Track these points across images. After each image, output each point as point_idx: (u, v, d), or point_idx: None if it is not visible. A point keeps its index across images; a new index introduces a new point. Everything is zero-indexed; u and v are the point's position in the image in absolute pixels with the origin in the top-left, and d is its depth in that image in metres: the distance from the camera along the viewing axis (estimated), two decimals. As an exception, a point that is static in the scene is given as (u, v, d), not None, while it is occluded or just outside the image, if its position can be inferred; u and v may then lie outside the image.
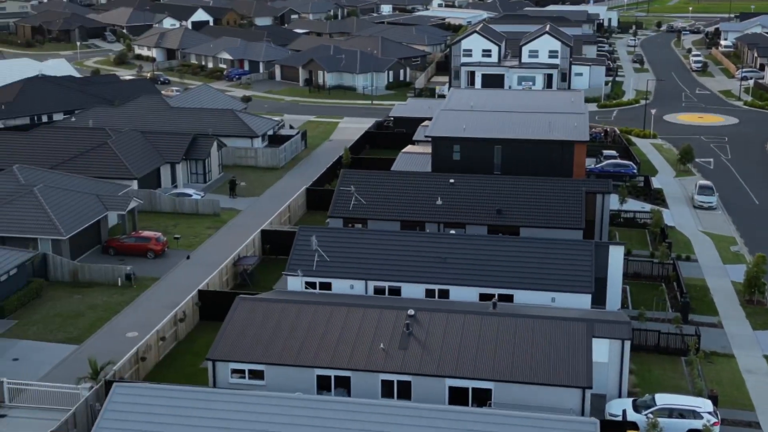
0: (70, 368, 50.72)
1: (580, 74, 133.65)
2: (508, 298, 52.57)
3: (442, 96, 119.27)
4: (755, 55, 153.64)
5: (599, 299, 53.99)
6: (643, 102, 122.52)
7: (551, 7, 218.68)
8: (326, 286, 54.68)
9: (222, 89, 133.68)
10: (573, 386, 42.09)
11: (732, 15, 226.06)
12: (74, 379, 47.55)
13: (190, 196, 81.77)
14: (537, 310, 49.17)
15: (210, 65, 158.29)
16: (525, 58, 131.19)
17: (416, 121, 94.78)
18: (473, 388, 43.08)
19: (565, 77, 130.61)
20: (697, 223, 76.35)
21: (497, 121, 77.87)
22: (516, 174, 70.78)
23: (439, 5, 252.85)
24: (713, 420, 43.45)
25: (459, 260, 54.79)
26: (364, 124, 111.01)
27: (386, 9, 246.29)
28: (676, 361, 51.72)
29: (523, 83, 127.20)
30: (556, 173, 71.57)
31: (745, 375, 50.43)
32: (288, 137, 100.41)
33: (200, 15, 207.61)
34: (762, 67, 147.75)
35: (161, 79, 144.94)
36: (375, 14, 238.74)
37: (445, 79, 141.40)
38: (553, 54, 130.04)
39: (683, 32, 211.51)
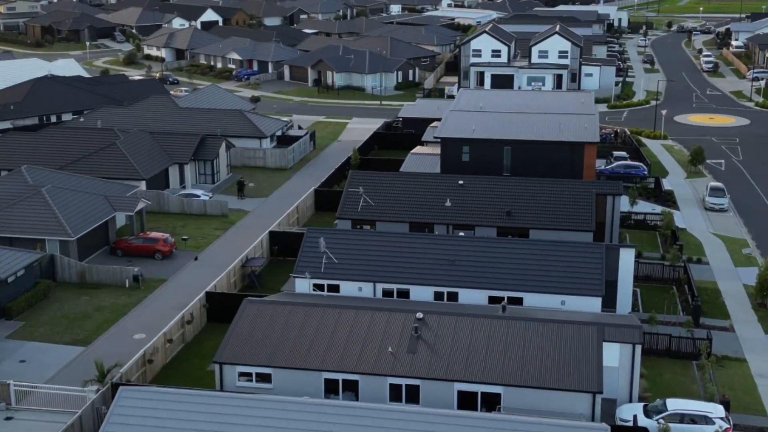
0: (77, 370, 50.51)
1: (590, 75, 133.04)
2: (518, 301, 52.14)
3: (452, 96, 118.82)
4: (766, 55, 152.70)
5: (610, 302, 53.54)
6: (653, 103, 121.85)
7: (561, 7, 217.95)
8: (334, 288, 54.35)
9: (231, 89, 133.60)
10: (583, 391, 41.66)
11: (743, 15, 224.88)
12: (81, 381, 47.32)
13: (199, 197, 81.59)
14: (547, 314, 48.70)
15: (219, 65, 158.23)
16: (535, 59, 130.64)
17: (425, 122, 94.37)
18: (482, 393, 42.67)
19: (575, 78, 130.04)
20: (708, 226, 75.76)
21: (507, 122, 77.43)
22: (525, 175, 70.27)
23: (449, 5, 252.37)
24: (725, 426, 42.95)
25: (468, 263, 54.38)
26: (373, 124, 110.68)
27: (395, 9, 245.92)
28: (687, 365, 51.20)
29: (532, 84, 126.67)
30: (566, 175, 71.07)
31: (757, 380, 49.89)
32: (297, 138, 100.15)
33: (209, 15, 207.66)
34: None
35: (170, 80, 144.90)
36: (384, 14, 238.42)
37: (455, 79, 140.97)
38: (563, 54, 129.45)
39: (694, 32, 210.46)
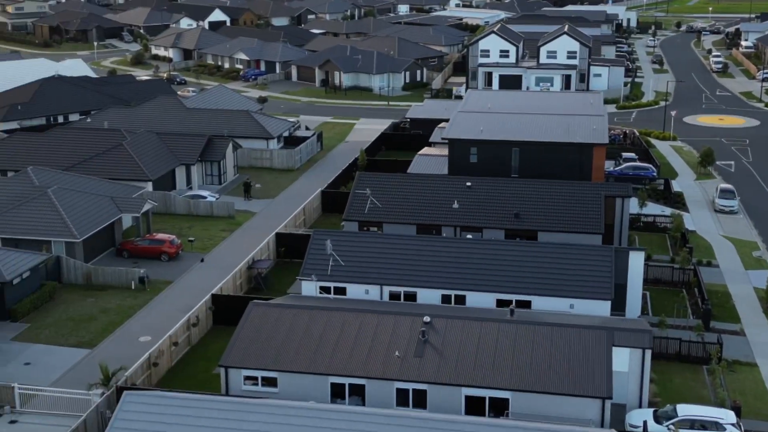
0: (82, 373, 50.23)
1: (599, 75, 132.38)
2: (526, 305, 51.68)
3: (459, 97, 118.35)
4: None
5: (619, 306, 53.02)
6: (662, 103, 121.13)
7: (569, 8, 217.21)
8: (341, 291, 53.96)
9: (238, 90, 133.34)
10: (592, 396, 41.18)
11: (753, 15, 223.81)
12: (86, 384, 46.99)
13: (205, 198, 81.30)
14: (555, 317, 48.25)
15: (226, 65, 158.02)
16: (543, 59, 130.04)
17: (433, 123, 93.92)
18: (490, 398, 42.23)
19: (583, 78, 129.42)
20: (718, 228, 75.12)
21: (515, 123, 76.94)
22: (534, 177, 69.79)
23: (457, 5, 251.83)
24: (736, 432, 42.47)
25: (476, 265, 53.92)
26: (381, 125, 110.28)
27: (403, 9, 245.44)
28: (697, 369, 50.66)
29: (541, 84, 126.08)
30: (575, 176, 70.59)
31: (768, 385, 49.38)
32: (304, 138, 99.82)
33: (217, 15, 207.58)
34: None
35: (177, 80, 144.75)
36: (392, 14, 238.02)
37: (462, 79, 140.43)
38: (571, 55, 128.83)
39: (703, 33, 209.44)
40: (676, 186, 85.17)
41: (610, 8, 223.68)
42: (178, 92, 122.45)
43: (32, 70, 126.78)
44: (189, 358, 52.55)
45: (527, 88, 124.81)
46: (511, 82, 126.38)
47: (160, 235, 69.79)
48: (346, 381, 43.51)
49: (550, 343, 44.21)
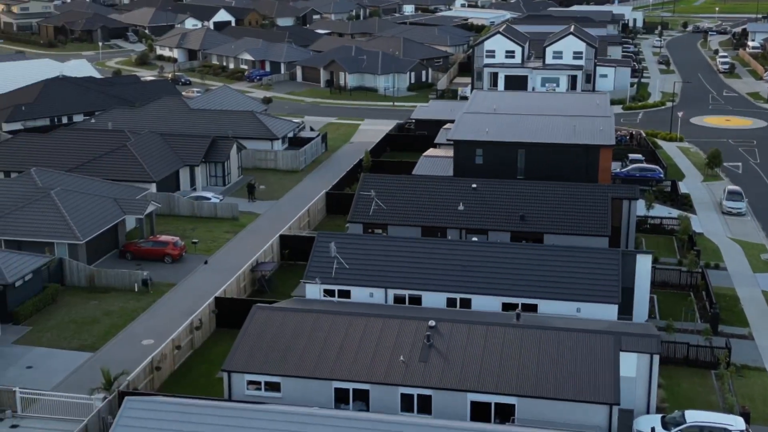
0: (85, 376, 49.86)
1: (605, 76, 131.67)
2: (532, 308, 51.15)
3: (465, 98, 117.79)
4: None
5: (626, 309, 52.44)
6: (669, 104, 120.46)
7: (575, 8, 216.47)
8: (345, 294, 53.48)
9: (243, 90, 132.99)
10: (600, 403, 40.65)
11: (759, 15, 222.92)
12: (87, 389, 46.56)
13: (209, 199, 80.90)
14: (562, 322, 47.71)
15: (231, 66, 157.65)
16: (549, 60, 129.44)
17: (438, 124, 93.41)
18: (496, 404, 41.71)
19: (589, 79, 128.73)
20: (725, 230, 74.50)
21: (521, 124, 76.44)
22: (540, 179, 69.33)
23: (462, 5, 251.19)
24: (745, 438, 41.88)
25: (481, 268, 53.41)
26: (386, 126, 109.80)
27: (408, 9, 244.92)
28: (705, 374, 50.08)
29: (546, 85, 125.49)
30: (581, 178, 70.11)
31: (777, 390, 48.79)
32: (308, 140, 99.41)
33: (222, 15, 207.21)
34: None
35: (182, 80, 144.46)
36: (397, 14, 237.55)
37: (468, 80, 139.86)
38: (577, 55, 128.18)
39: (710, 33, 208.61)
40: (683, 187, 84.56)
41: (616, 8, 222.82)
42: (183, 93, 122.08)
43: (37, 70, 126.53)
44: (192, 361, 52.12)
45: (533, 89, 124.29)
46: (517, 83, 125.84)
47: (164, 237, 69.40)
48: (350, 386, 43.03)
49: (556, 348, 43.70)
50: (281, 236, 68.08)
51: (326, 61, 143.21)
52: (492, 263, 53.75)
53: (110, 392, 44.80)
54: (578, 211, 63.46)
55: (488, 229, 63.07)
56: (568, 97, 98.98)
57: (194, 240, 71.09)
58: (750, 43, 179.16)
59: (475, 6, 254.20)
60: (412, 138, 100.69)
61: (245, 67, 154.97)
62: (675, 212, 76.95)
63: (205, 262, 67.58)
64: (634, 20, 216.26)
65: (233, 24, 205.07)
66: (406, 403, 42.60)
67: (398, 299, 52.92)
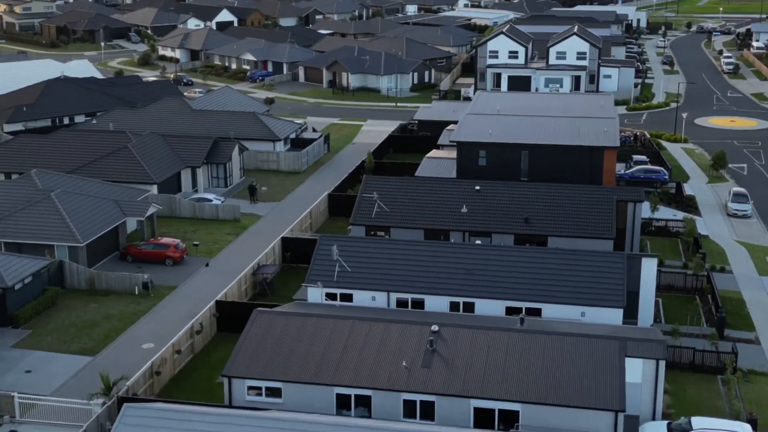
0: (84, 381, 49.34)
1: (609, 76, 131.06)
2: (536, 312, 50.58)
3: (468, 98, 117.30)
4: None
5: (631, 314, 51.94)
6: (673, 105, 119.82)
7: (579, 8, 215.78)
8: (347, 298, 52.94)
9: (245, 91, 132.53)
10: (605, 409, 40.08)
11: (764, 15, 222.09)
12: (86, 394, 46.05)
13: (210, 201, 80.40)
14: (566, 326, 47.12)
15: (233, 66, 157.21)
16: (552, 60, 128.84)
17: (441, 125, 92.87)
18: (500, 410, 41.14)
19: (593, 79, 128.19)
20: (731, 232, 73.87)
21: (524, 126, 75.86)
22: (544, 181, 68.73)
23: (465, 5, 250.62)
24: (753, 445, 41.29)
25: (485, 272, 52.84)
26: (388, 127, 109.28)
27: (411, 9, 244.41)
28: (712, 380, 49.47)
29: (550, 86, 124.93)
30: (586, 180, 69.49)
31: (785, 396, 48.18)
32: (311, 140, 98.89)
33: (224, 15, 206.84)
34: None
35: (184, 81, 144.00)
36: (400, 14, 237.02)
37: (471, 80, 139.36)
38: (581, 56, 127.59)
39: (714, 33, 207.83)
40: (688, 189, 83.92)
41: (619, 8, 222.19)
42: (185, 93, 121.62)
43: (38, 71, 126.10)
44: (192, 366, 51.59)
45: (536, 90, 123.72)
46: (520, 84, 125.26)
47: (165, 240, 68.92)
48: (352, 392, 42.50)
49: (561, 354, 43.12)
50: (283, 239, 67.57)
51: (329, 62, 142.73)
52: (495, 266, 53.20)
53: (109, 398, 44.29)
54: (582, 214, 62.89)
55: (492, 232, 62.51)
56: (572, 97, 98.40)
57: (195, 242, 70.58)
58: (754, 44, 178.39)
59: (478, 6, 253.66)
60: (414, 139, 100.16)
61: (247, 67, 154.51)
62: (680, 214, 76.33)
63: (207, 265, 67.08)
64: (638, 20, 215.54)
65: (236, 24, 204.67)
66: (409, 410, 42.04)
67: (401, 303, 52.36)
